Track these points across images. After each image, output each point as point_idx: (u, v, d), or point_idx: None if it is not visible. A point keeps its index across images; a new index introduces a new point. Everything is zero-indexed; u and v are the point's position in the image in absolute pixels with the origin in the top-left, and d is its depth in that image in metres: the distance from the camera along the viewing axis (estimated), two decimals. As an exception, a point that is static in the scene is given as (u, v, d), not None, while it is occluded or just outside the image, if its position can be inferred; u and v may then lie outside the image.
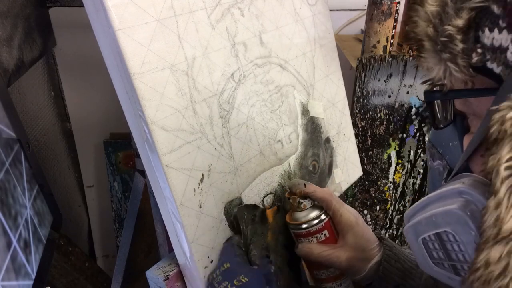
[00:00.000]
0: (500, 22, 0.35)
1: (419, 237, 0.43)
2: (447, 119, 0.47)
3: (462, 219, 0.37)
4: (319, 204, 0.68)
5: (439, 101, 0.47)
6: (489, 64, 0.36)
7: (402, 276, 0.64)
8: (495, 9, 0.35)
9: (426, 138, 1.21)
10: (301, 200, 0.68)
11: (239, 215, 0.65)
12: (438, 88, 0.44)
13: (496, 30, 0.35)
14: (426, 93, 0.45)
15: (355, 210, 0.69)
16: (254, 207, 0.68)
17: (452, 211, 0.38)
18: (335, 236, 0.67)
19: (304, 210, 0.68)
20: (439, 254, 0.41)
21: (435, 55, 0.40)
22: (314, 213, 0.67)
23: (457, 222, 0.37)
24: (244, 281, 0.57)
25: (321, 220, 0.67)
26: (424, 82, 0.45)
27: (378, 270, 0.64)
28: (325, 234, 0.67)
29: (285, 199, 0.71)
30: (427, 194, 0.45)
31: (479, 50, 0.36)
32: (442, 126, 0.47)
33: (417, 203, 0.45)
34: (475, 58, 0.37)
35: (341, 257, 0.64)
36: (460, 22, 0.37)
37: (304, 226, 0.67)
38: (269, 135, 0.73)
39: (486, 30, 0.36)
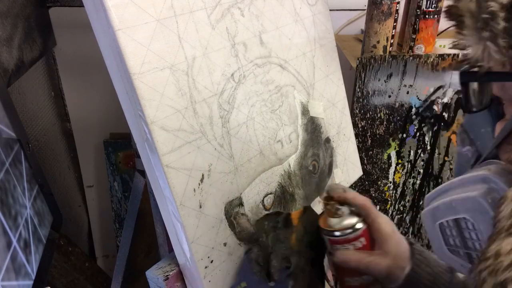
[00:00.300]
0: None
1: (437, 221, 0.41)
2: (482, 103, 0.44)
3: (482, 207, 0.36)
4: (357, 211, 0.65)
5: (475, 84, 0.44)
6: None
7: (432, 280, 0.62)
8: None
9: (426, 138, 1.21)
10: (339, 206, 0.65)
11: (258, 227, 0.64)
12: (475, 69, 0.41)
13: None
14: (462, 73, 0.42)
15: (389, 219, 0.67)
16: (277, 214, 0.67)
17: (473, 198, 0.37)
18: (370, 244, 0.65)
19: (341, 216, 0.64)
20: (456, 241, 0.40)
21: (475, 33, 0.38)
22: (353, 220, 0.64)
23: (477, 209, 0.36)
24: None
25: (359, 228, 0.64)
26: (460, 62, 0.43)
27: (407, 277, 0.63)
28: (361, 242, 0.64)
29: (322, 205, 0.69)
30: (454, 177, 0.45)
31: None
32: (475, 109, 0.45)
33: (439, 187, 0.43)
34: None
35: (381, 264, 0.62)
36: None
37: (342, 233, 0.64)
38: (269, 135, 0.73)
39: None
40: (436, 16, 1.09)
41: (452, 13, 0.40)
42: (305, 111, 0.80)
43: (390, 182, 1.26)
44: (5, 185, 0.64)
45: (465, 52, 0.40)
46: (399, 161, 1.24)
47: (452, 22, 0.41)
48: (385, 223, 0.64)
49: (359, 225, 0.64)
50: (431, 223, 0.43)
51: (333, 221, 0.65)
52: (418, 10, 1.08)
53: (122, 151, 1.43)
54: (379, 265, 0.62)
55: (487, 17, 0.36)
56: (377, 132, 1.19)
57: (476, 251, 0.39)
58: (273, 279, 0.60)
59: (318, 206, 0.84)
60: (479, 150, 0.46)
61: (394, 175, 1.25)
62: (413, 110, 1.17)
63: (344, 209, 0.65)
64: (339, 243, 0.65)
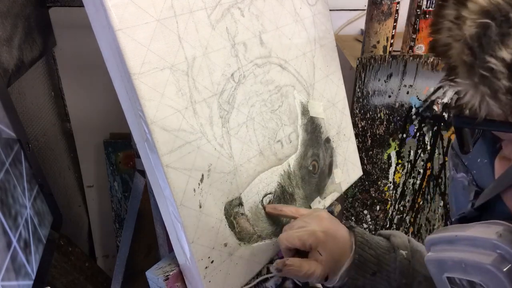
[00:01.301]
0: None
1: (444, 274, 0.40)
2: (474, 135, 0.42)
3: (496, 277, 0.34)
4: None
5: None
6: None
7: (377, 262, 0.63)
8: None
9: (426, 138, 1.21)
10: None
11: None
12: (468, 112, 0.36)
13: None
14: (455, 118, 0.37)
15: (321, 216, 0.66)
16: None
17: (486, 267, 0.35)
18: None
19: None
20: None
21: (471, 84, 0.33)
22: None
23: (491, 278, 0.35)
24: None
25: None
26: (452, 108, 0.38)
27: (346, 276, 0.64)
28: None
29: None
30: (449, 206, 0.43)
31: None
32: (470, 150, 0.42)
33: (442, 233, 0.41)
34: None
35: (315, 273, 0.63)
36: (506, 54, 0.30)
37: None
38: (269, 135, 0.73)
39: None
40: (436, 16, 1.09)
41: (439, 55, 0.36)
42: (305, 111, 0.80)
43: (390, 182, 1.26)
44: (5, 185, 0.64)
45: (457, 96, 0.36)
46: (399, 161, 1.24)
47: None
48: (310, 234, 0.64)
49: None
50: (438, 274, 0.41)
51: None
52: (418, 10, 1.08)
53: (122, 151, 1.43)
54: (314, 275, 0.63)
55: (485, 74, 0.31)
56: (377, 132, 1.19)
57: None
58: None
59: (318, 206, 0.84)
60: (476, 180, 0.43)
61: (394, 175, 1.25)
62: (413, 110, 1.17)
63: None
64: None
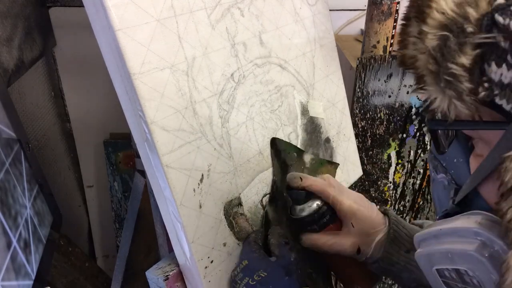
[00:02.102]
0: (509, 57, 0.32)
1: (434, 266, 0.43)
2: (448, 137, 0.46)
3: (480, 262, 0.37)
4: (315, 196, 0.68)
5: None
6: (498, 100, 0.34)
7: (411, 242, 0.64)
8: (502, 43, 0.32)
9: (426, 138, 1.21)
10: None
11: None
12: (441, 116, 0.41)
13: (504, 66, 0.33)
14: (429, 122, 0.42)
15: (358, 194, 0.69)
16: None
17: (470, 254, 0.38)
18: (338, 224, 0.68)
19: (305, 203, 0.68)
20: (457, 284, 0.41)
21: (438, 89, 0.37)
22: (315, 204, 0.67)
23: (475, 264, 0.37)
24: (263, 275, 0.59)
25: (322, 210, 0.67)
26: (425, 110, 0.42)
27: (381, 249, 0.65)
28: (327, 222, 0.67)
29: (285, 194, 0.72)
30: (434, 205, 0.45)
31: (486, 85, 0.34)
32: (446, 150, 0.46)
33: (428, 229, 0.44)
34: (482, 93, 0.34)
35: (345, 244, 0.65)
36: (465, 60, 0.34)
37: (307, 218, 0.67)
38: (268, 135, 0.73)
39: (493, 65, 0.33)
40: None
41: (407, 66, 0.39)
42: (304, 111, 0.81)
43: (390, 182, 1.26)
44: (5, 185, 0.64)
45: (428, 102, 0.39)
46: (399, 161, 1.24)
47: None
48: (347, 202, 0.66)
49: (323, 208, 0.67)
50: (427, 267, 0.44)
51: (297, 208, 0.68)
52: (418, 10, 1.08)
53: (122, 151, 1.43)
54: (343, 245, 0.65)
55: (449, 79, 0.35)
56: (377, 132, 1.19)
57: None
58: (274, 254, 0.62)
59: (318, 206, 0.84)
60: (454, 180, 0.47)
61: (394, 175, 1.25)
62: (413, 110, 1.17)
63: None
64: (304, 227, 0.68)
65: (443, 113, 0.38)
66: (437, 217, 0.51)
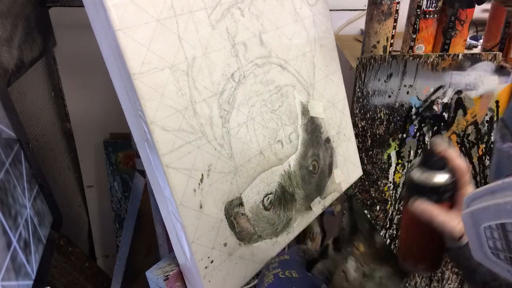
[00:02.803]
0: None
1: (482, 224, 0.40)
2: None
3: None
4: (450, 170, 0.67)
5: None
6: None
7: None
8: None
9: (426, 138, 1.21)
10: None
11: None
12: None
13: None
14: None
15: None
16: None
17: None
18: (449, 206, 0.67)
19: (437, 171, 0.66)
20: (497, 244, 0.40)
21: None
22: (445, 176, 0.66)
23: None
24: (294, 276, 0.62)
25: (449, 185, 0.66)
26: None
27: None
28: (445, 199, 0.66)
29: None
30: (489, 179, 0.43)
31: None
32: None
33: (483, 187, 0.42)
34: None
35: (456, 226, 0.63)
36: None
37: (430, 186, 0.65)
38: (269, 135, 0.72)
39: None
40: (436, 15, 1.09)
41: None
42: (305, 111, 0.80)
43: (390, 182, 1.26)
44: (5, 185, 0.64)
45: None
46: (399, 161, 1.23)
47: None
48: (471, 190, 0.64)
49: (449, 183, 0.65)
50: (475, 226, 0.42)
51: (427, 173, 0.66)
52: (418, 10, 1.08)
53: (122, 151, 1.43)
54: (453, 225, 0.63)
55: None
56: (377, 132, 1.19)
57: None
58: (311, 274, 0.66)
59: (318, 206, 0.84)
60: None
61: (394, 175, 1.25)
62: (413, 110, 1.17)
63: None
64: (423, 193, 0.66)
65: None
66: None
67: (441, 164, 0.66)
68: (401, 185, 1.27)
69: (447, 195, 0.66)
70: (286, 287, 0.61)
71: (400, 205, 1.31)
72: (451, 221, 0.63)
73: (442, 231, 0.64)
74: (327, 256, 0.73)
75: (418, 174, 0.67)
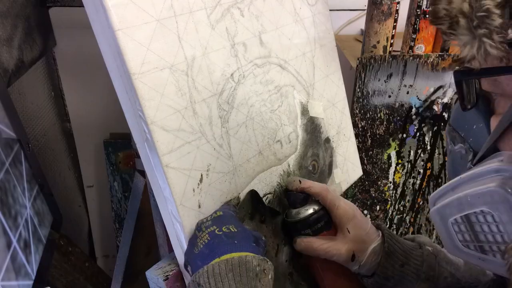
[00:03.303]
0: None
1: (449, 219, 0.42)
2: (470, 101, 0.46)
3: (503, 197, 0.36)
4: (316, 199, 0.69)
5: (467, 82, 0.46)
6: None
7: (405, 255, 0.65)
8: None
9: (426, 138, 1.21)
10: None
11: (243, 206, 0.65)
12: (467, 68, 0.43)
13: None
14: (456, 72, 0.44)
15: (352, 203, 0.70)
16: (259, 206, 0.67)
17: (492, 190, 0.37)
18: (332, 232, 0.68)
19: (301, 206, 0.68)
20: (465, 236, 0.41)
21: (469, 33, 0.39)
22: (311, 209, 0.68)
23: (498, 200, 0.37)
24: (233, 230, 0.56)
25: (318, 214, 0.67)
26: (454, 61, 0.44)
27: (377, 259, 0.65)
28: (321, 228, 0.67)
29: (283, 196, 0.72)
30: (448, 180, 0.45)
31: None
32: (469, 107, 0.46)
33: (444, 185, 0.44)
34: (511, 34, 0.36)
35: (341, 249, 0.65)
36: None
37: (302, 221, 0.67)
38: (268, 135, 0.73)
39: None
40: (436, 16, 1.09)
41: (440, 16, 0.41)
42: (304, 111, 0.81)
43: (390, 182, 1.26)
44: (5, 185, 0.64)
45: (458, 51, 0.41)
46: (399, 161, 1.24)
47: (438, 26, 0.42)
48: (344, 207, 0.67)
49: (319, 212, 0.67)
50: (443, 222, 0.44)
51: (294, 211, 0.69)
52: (418, 10, 1.08)
53: (122, 151, 1.43)
54: (338, 250, 0.65)
55: (482, 15, 0.37)
56: (377, 132, 1.19)
57: (489, 243, 0.40)
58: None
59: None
60: (472, 147, 0.47)
61: (394, 175, 1.25)
62: (413, 110, 1.17)
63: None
64: (298, 231, 0.68)
65: (471, 60, 0.40)
66: None
67: (302, 197, 0.68)
68: (401, 185, 1.27)
69: (321, 224, 0.67)
70: (227, 243, 0.54)
71: (400, 205, 1.31)
72: (334, 245, 0.65)
73: (331, 258, 0.65)
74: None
75: (288, 215, 0.69)
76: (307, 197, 0.69)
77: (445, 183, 1.25)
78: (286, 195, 0.70)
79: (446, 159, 1.20)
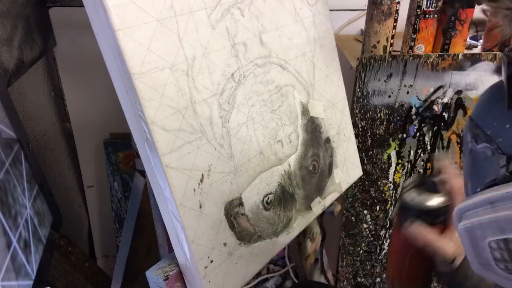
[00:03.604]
0: None
1: (484, 240, 0.39)
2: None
3: None
4: (445, 191, 0.65)
5: None
6: None
7: None
8: None
9: (426, 138, 1.21)
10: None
11: None
12: None
13: None
14: (509, 65, 0.38)
15: None
16: None
17: None
18: (441, 229, 0.66)
19: (430, 194, 0.66)
20: (503, 255, 0.38)
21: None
22: (439, 199, 0.65)
23: None
24: None
25: (446, 209, 0.65)
26: (506, 53, 0.39)
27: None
28: (438, 222, 0.65)
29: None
30: (465, 180, 0.42)
31: None
32: None
33: (476, 198, 0.40)
34: None
35: (449, 251, 0.62)
36: None
37: (424, 209, 0.65)
38: (269, 135, 0.73)
39: None
40: (436, 15, 1.09)
41: None
42: (305, 111, 0.80)
43: (390, 182, 1.26)
44: (5, 185, 0.64)
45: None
46: (399, 161, 1.23)
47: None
48: None
49: (443, 205, 0.64)
50: (474, 241, 0.40)
51: (422, 195, 0.66)
52: (418, 10, 1.08)
53: (122, 151, 1.43)
54: (446, 249, 0.62)
55: None
56: (377, 132, 1.19)
57: None
58: None
59: (318, 206, 0.84)
60: (501, 148, 0.42)
61: (394, 175, 1.25)
62: (413, 110, 1.17)
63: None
64: (418, 214, 0.65)
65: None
66: (478, 190, 0.46)
67: (436, 187, 0.65)
68: (401, 185, 1.27)
69: (440, 218, 0.65)
70: None
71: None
72: (445, 245, 0.63)
73: (434, 255, 0.63)
74: None
75: (412, 196, 0.66)
76: (440, 187, 0.65)
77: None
78: (421, 177, 0.67)
79: (462, 158, 1.19)
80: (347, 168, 0.92)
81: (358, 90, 1.13)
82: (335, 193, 0.89)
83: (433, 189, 0.65)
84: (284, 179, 0.76)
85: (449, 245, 0.63)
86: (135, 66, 0.52)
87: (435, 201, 0.65)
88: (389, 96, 1.15)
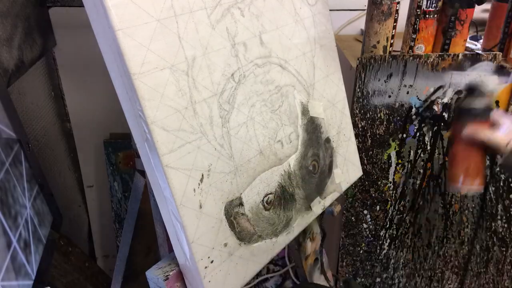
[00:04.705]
0: None
1: None
2: None
3: None
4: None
5: None
6: None
7: None
8: None
9: (426, 138, 1.21)
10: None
11: None
12: None
13: None
14: None
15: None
16: None
17: None
18: (489, 123, 0.80)
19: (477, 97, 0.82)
20: None
21: None
22: (485, 100, 0.82)
23: None
24: None
25: (490, 107, 0.82)
26: None
27: None
28: (486, 118, 0.80)
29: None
30: None
31: None
32: None
33: None
34: None
35: (503, 138, 0.76)
36: None
37: (474, 108, 0.81)
38: (269, 135, 0.73)
39: None
40: (436, 15, 1.09)
41: None
42: (305, 111, 0.80)
43: (390, 182, 1.26)
44: (5, 185, 0.64)
45: None
46: (399, 161, 1.23)
47: None
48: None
49: (489, 102, 0.83)
50: None
51: (470, 99, 0.83)
52: (418, 10, 1.08)
53: (122, 151, 1.43)
54: (501, 139, 0.77)
55: None
56: (377, 132, 1.19)
57: None
58: None
59: (318, 206, 0.84)
60: None
61: (394, 175, 1.25)
62: (413, 110, 1.17)
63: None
64: (470, 116, 0.82)
65: None
66: None
67: (481, 92, 0.83)
68: (401, 185, 1.27)
69: (487, 114, 0.82)
70: None
71: (400, 205, 1.31)
72: (497, 136, 0.78)
73: (490, 146, 0.78)
74: None
75: (467, 102, 0.84)
76: (484, 92, 0.84)
77: (445, 183, 1.25)
78: (469, 86, 0.85)
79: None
80: (347, 168, 0.93)
81: (358, 90, 1.13)
82: (335, 193, 0.89)
83: (478, 94, 0.83)
84: (284, 179, 0.76)
85: (499, 134, 0.78)
86: (135, 66, 0.52)
87: (482, 101, 0.82)
88: (389, 96, 1.15)
